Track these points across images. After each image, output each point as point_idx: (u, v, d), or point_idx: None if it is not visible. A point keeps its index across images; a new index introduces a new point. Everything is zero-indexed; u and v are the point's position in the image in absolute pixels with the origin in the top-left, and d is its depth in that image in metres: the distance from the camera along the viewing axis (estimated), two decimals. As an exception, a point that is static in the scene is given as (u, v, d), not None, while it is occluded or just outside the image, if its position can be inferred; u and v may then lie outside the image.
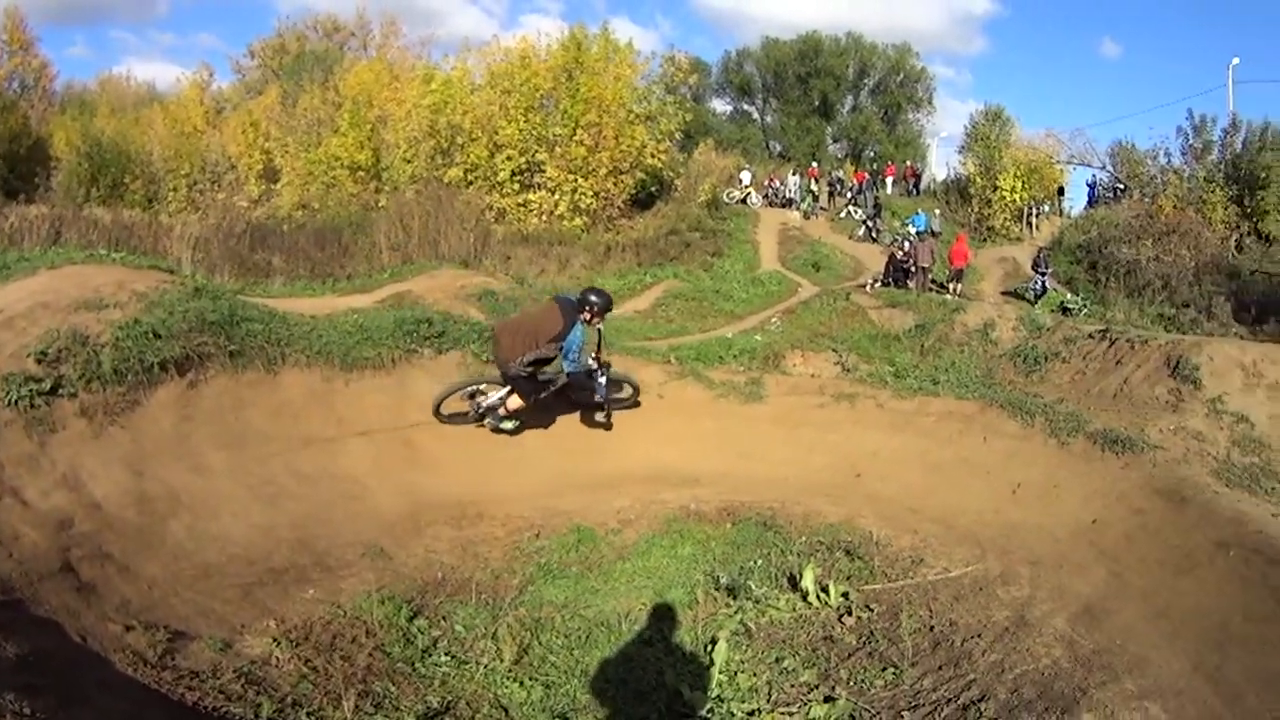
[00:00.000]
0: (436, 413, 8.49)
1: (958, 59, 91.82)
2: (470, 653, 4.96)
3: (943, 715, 4.50)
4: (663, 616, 5.50)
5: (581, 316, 8.08)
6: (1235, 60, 34.85)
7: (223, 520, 6.09)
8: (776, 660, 5.09)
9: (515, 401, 8.35)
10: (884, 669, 5.00)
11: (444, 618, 5.30)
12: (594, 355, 8.52)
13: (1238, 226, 28.00)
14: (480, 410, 8.55)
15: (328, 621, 4.98)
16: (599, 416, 9.05)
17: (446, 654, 4.92)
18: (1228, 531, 6.13)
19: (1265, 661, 4.71)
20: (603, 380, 8.55)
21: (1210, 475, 7.41)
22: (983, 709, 4.49)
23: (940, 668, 4.98)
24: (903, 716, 4.53)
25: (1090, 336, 11.40)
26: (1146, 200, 30.42)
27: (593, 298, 8.14)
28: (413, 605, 5.34)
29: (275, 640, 4.66)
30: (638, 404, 9.32)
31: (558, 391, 8.62)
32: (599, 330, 8.56)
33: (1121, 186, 34.16)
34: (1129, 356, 10.14)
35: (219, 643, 4.54)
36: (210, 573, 5.41)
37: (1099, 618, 5.46)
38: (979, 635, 5.29)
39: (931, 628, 5.44)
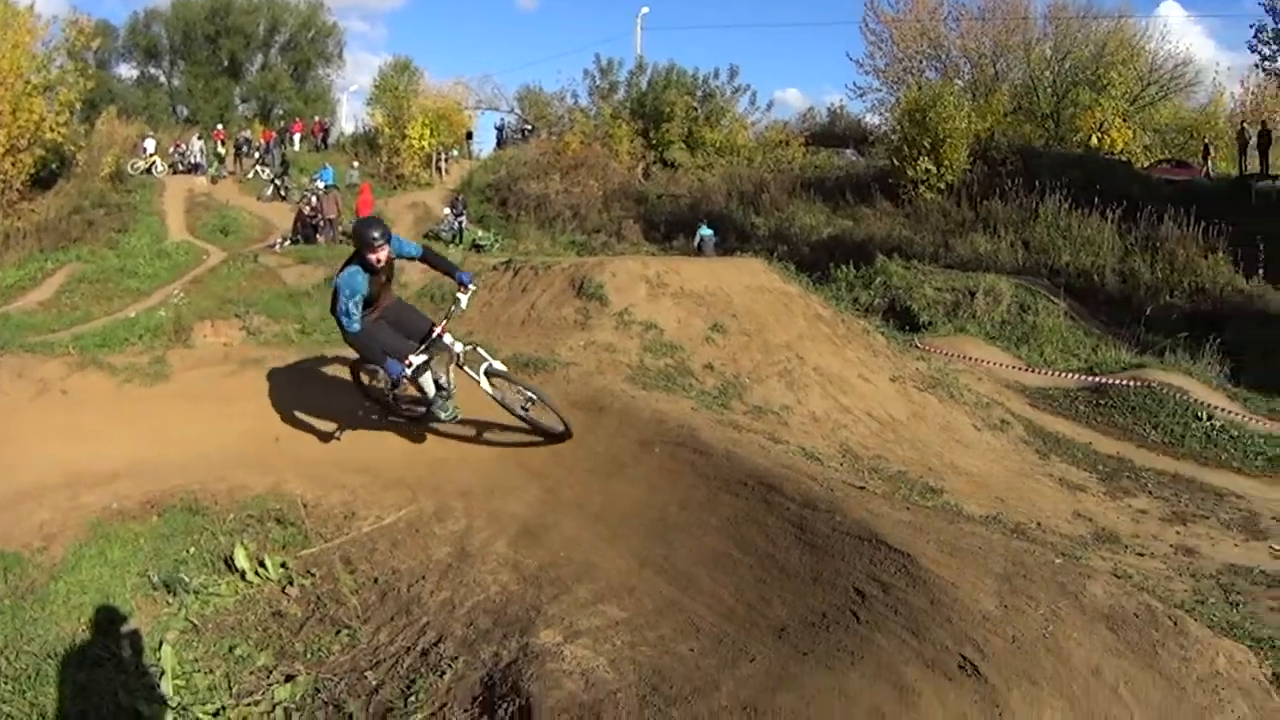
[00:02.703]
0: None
1: (373, 14, 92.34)
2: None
3: (405, 665, 4.58)
4: (107, 632, 5.17)
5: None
6: (645, 10, 40.04)
7: None
8: (230, 650, 5.01)
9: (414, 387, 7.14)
10: (338, 632, 5.05)
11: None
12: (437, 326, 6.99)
13: (644, 156, 32.28)
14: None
15: None
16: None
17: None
18: (649, 431, 6.87)
19: (707, 542, 5.30)
20: (417, 359, 6.69)
21: (625, 382, 8.29)
22: (442, 650, 4.61)
23: (393, 618, 5.10)
24: (366, 677, 4.58)
25: (495, 268, 12.10)
26: (554, 138, 33.66)
27: (360, 229, 7.06)
28: None
29: None
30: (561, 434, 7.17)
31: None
32: (456, 304, 7.14)
33: (530, 127, 37.42)
34: (534, 283, 10.88)
35: None
36: None
37: (538, 535, 5.83)
38: (424, 577, 5.46)
39: (376, 580, 5.56)
